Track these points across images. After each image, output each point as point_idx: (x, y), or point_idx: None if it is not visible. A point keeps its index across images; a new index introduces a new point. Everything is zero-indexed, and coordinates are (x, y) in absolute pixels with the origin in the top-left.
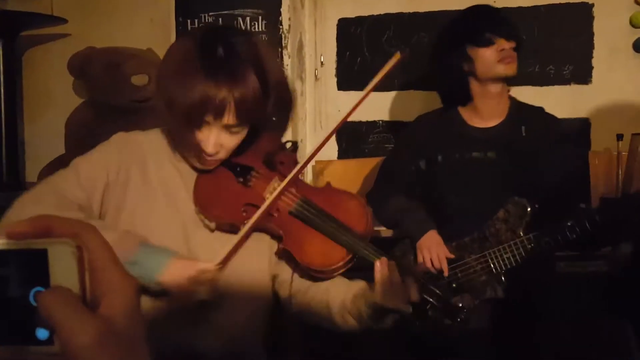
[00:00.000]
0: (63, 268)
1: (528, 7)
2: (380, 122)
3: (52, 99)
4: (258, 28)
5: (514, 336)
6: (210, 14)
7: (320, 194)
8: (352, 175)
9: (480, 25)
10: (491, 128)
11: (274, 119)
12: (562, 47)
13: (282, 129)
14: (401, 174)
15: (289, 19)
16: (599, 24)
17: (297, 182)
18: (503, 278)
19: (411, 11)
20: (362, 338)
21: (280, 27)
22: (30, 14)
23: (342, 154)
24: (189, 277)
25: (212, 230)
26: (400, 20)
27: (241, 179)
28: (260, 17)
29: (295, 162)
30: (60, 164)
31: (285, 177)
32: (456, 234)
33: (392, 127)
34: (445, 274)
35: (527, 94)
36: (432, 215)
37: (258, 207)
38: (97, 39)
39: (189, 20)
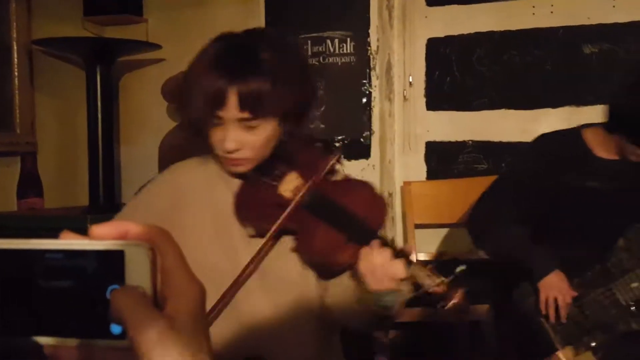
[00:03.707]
0: (137, 269)
1: None
2: (470, 142)
3: (146, 123)
4: (347, 50)
5: None
6: (300, 36)
7: (334, 185)
8: (440, 196)
9: None
10: (617, 161)
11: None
12: None
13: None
14: (517, 197)
15: (378, 39)
16: None
17: (314, 177)
18: (634, 309)
19: (502, 29)
20: None
21: (369, 48)
22: (127, 40)
23: (431, 175)
24: None
25: (251, 237)
26: (491, 38)
27: (267, 179)
28: (348, 39)
29: (322, 163)
30: None
31: (305, 175)
32: (572, 265)
33: (481, 147)
34: (564, 319)
35: None
36: (546, 244)
37: (281, 207)
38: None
39: None
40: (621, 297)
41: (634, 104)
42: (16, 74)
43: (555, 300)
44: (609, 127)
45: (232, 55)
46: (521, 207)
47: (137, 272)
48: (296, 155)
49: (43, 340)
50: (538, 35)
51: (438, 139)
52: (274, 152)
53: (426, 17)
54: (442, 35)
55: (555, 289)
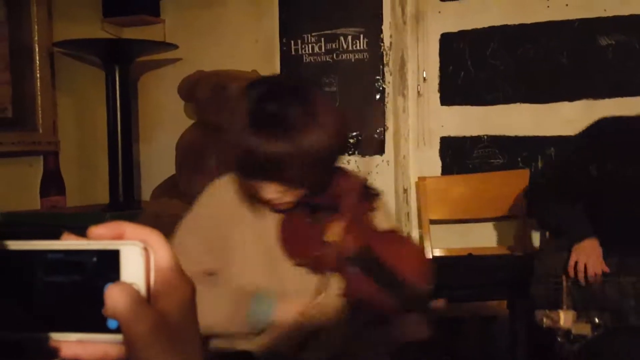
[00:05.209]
0: (132, 267)
1: None
2: (485, 137)
3: (164, 121)
4: (360, 46)
5: None
6: (313, 34)
7: (382, 241)
8: (455, 191)
9: None
10: None
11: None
12: None
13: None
14: (571, 177)
15: (391, 36)
16: None
17: (362, 225)
18: None
19: (516, 23)
20: None
21: (382, 44)
22: (144, 41)
23: (446, 170)
24: (294, 315)
25: (296, 265)
26: (505, 32)
27: (312, 219)
28: (362, 36)
29: (368, 207)
30: (171, 183)
31: (350, 219)
32: (611, 248)
33: (496, 141)
34: (584, 280)
35: None
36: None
37: (326, 246)
38: (206, 62)
39: (292, 41)
40: None
41: None
42: (38, 75)
43: (584, 265)
44: None
45: (275, 118)
46: (572, 186)
47: (132, 270)
48: (337, 197)
49: (45, 335)
50: (553, 28)
51: (452, 134)
52: (314, 187)
53: (439, 12)
54: (455, 30)
55: (587, 254)
